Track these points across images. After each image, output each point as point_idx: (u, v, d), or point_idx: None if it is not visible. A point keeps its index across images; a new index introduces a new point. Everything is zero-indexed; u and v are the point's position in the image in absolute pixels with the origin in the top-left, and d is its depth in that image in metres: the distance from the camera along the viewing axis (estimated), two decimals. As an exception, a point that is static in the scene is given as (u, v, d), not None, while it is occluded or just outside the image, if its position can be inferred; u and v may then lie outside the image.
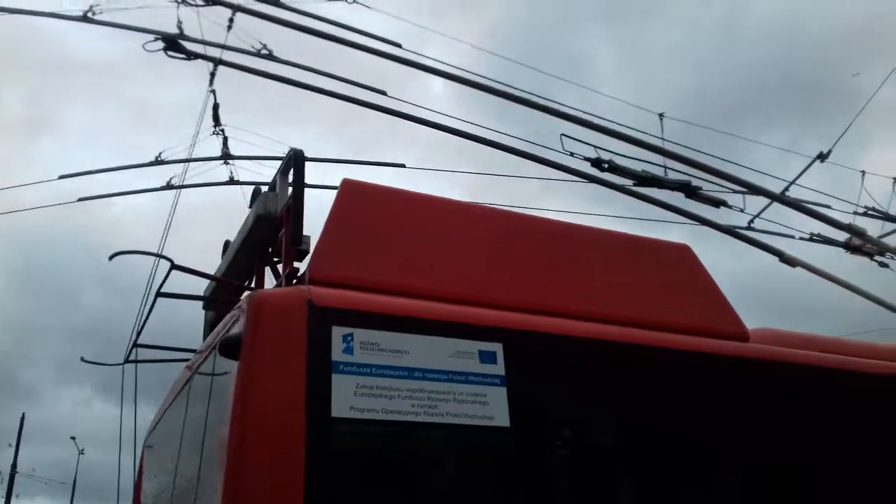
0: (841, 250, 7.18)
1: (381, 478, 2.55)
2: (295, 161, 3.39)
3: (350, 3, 6.31)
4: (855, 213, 7.06)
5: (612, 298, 3.42)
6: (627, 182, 6.00)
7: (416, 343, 2.66)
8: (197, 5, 5.17)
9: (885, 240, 7.50)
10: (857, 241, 7.30)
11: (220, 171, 7.28)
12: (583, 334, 3.07)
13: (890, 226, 7.51)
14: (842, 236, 7.21)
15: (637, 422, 3.09)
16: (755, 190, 6.27)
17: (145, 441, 4.31)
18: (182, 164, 6.91)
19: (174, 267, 3.33)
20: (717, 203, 6.41)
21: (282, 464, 2.32)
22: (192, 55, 5.01)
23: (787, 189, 6.60)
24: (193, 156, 6.97)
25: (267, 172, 7.22)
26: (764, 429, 3.32)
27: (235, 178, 7.28)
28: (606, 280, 3.55)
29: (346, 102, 5.10)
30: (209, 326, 4.20)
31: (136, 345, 3.88)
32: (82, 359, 4.63)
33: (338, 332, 2.54)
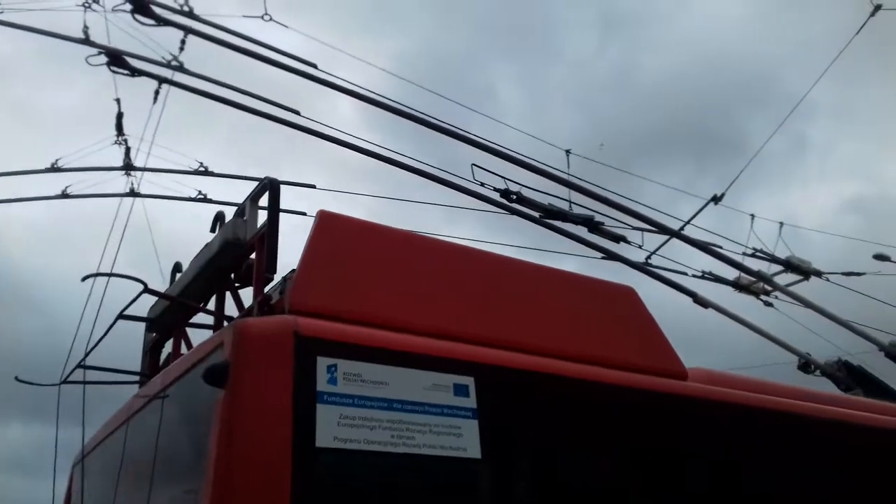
0: (730, 289, 7.57)
1: None
2: (270, 189, 3.37)
3: (266, 21, 6.25)
4: (744, 253, 7.43)
5: (565, 335, 3.56)
6: (534, 214, 6.16)
7: (395, 375, 2.72)
8: (147, 24, 4.97)
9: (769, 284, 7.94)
10: (745, 280, 7.70)
11: (119, 182, 7.03)
12: (544, 370, 3.21)
13: (776, 267, 7.94)
14: (730, 275, 7.59)
15: (593, 454, 3.27)
16: (659, 227, 6.55)
17: (75, 463, 4.17)
18: (81, 173, 6.65)
19: (146, 290, 3.23)
20: (618, 238, 6.64)
21: (268, 492, 2.35)
22: (136, 72, 4.96)
23: (683, 227, 6.90)
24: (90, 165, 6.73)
25: (170, 185, 7.04)
26: (701, 465, 3.53)
27: (137, 191, 7.04)
28: (560, 317, 3.68)
29: (254, 117, 5.07)
30: (150, 350, 4.16)
31: (81, 365, 3.68)
32: (17, 378, 4.37)
33: (322, 363, 2.59)
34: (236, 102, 4.93)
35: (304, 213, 6.69)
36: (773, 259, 7.63)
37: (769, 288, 7.97)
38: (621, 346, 3.75)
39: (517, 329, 3.43)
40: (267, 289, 3.28)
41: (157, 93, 5.14)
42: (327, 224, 3.25)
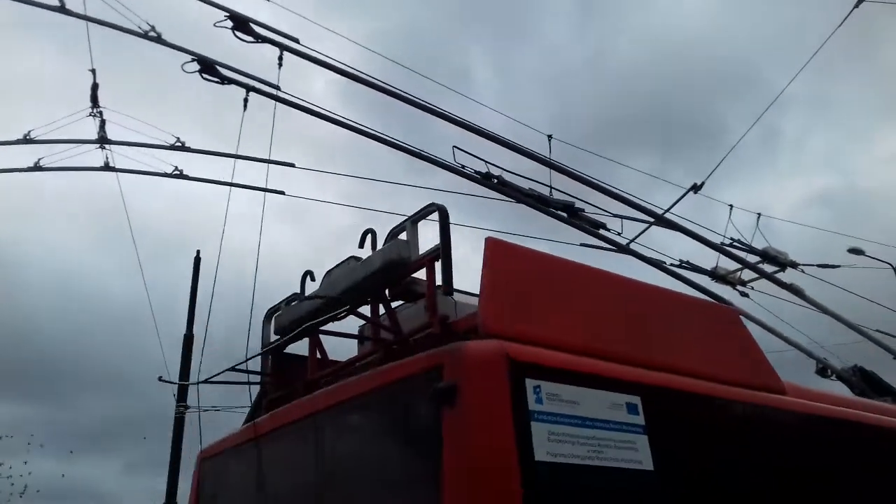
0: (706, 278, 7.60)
1: None
2: (440, 215, 3.64)
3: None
4: (722, 244, 7.44)
5: (696, 356, 3.88)
6: (513, 200, 6.13)
7: (582, 395, 3.03)
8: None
9: (744, 273, 7.99)
10: (722, 270, 7.75)
11: (95, 156, 6.90)
12: (690, 389, 3.59)
13: (752, 258, 7.97)
14: (707, 265, 7.63)
15: (731, 463, 3.61)
16: (644, 210, 6.56)
17: (204, 457, 4.57)
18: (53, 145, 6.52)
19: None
20: (597, 225, 6.64)
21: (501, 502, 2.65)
22: (226, 80, 5.21)
23: (664, 214, 6.90)
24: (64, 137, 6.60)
25: (144, 160, 6.92)
26: (805, 472, 3.94)
27: (111, 164, 6.92)
28: (690, 338, 4.01)
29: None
30: (272, 351, 4.42)
31: (234, 368, 4.21)
32: (160, 378, 4.95)
33: (530, 384, 2.89)
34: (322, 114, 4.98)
35: (282, 192, 6.62)
36: (750, 250, 7.66)
37: (745, 278, 8.04)
38: (739, 365, 4.11)
39: (659, 350, 3.72)
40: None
41: (245, 101, 5.37)
42: (498, 251, 3.45)
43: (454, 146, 5.60)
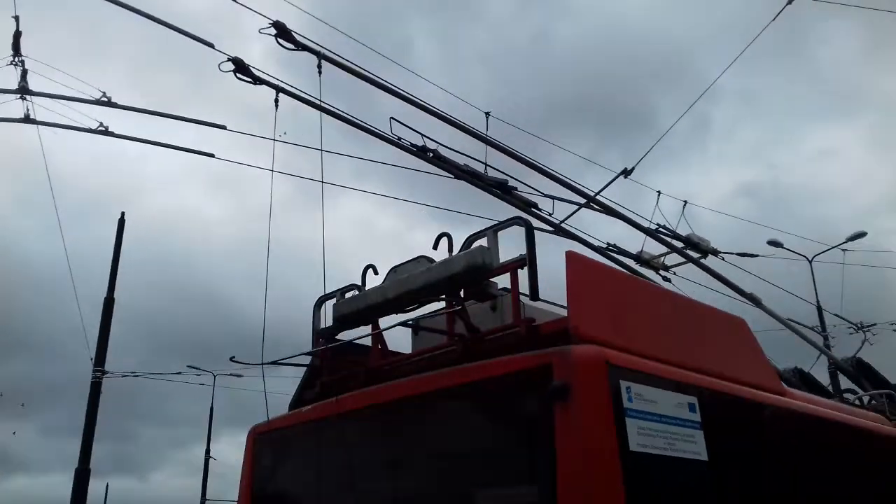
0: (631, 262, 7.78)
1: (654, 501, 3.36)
2: (526, 229, 3.94)
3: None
4: (648, 228, 7.61)
5: (726, 361, 4.39)
6: (449, 175, 6.15)
7: (658, 395, 3.51)
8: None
9: (668, 258, 8.21)
10: (647, 255, 7.94)
11: (15, 107, 6.60)
12: (729, 392, 4.13)
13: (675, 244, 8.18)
14: (634, 248, 7.81)
15: (763, 455, 4.14)
16: (574, 191, 6.66)
17: (259, 433, 4.82)
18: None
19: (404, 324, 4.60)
20: (530, 204, 6.72)
21: (607, 485, 3.12)
22: (258, 80, 5.47)
23: (594, 196, 7.02)
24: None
25: (68, 114, 6.65)
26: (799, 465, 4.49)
27: (32, 117, 6.63)
28: (719, 346, 4.56)
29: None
30: (324, 337, 4.71)
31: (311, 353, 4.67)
32: (232, 358, 4.98)
33: (623, 385, 3.36)
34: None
35: (212, 155, 6.46)
36: (674, 235, 7.86)
37: (669, 263, 8.26)
38: (752, 369, 4.62)
39: (702, 356, 4.17)
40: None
41: (276, 101, 5.54)
42: (578, 264, 3.89)
43: (391, 118, 5.57)
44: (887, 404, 6.68)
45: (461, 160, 6.18)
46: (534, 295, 3.83)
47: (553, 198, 6.86)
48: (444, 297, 4.20)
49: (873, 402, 7.22)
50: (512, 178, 6.52)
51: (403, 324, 4.60)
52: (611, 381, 3.32)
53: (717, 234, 8.33)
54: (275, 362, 4.64)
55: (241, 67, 5.36)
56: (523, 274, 3.84)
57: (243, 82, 5.38)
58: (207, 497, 29.69)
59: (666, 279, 8.31)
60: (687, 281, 8.22)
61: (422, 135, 5.77)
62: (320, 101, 5.39)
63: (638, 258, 7.84)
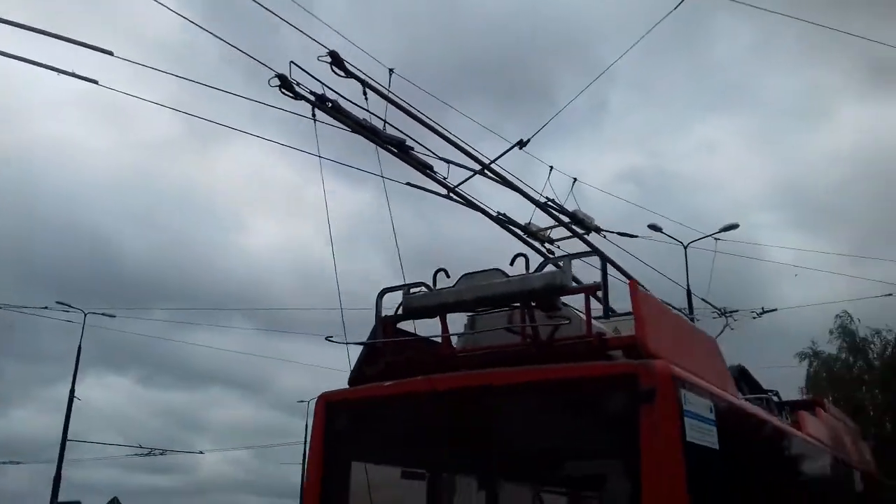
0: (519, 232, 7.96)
1: (704, 481, 4.36)
2: (601, 261, 5.71)
3: None
4: (538, 201, 7.79)
5: (713, 373, 5.47)
6: (346, 128, 6.08)
7: (696, 400, 4.55)
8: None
9: (554, 232, 8.45)
10: (534, 227, 8.14)
11: None
12: (720, 396, 5.17)
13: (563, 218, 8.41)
14: (523, 220, 7.99)
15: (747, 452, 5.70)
16: (470, 156, 6.71)
17: (329, 403, 5.38)
18: None
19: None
20: (425, 166, 6.75)
21: (675, 468, 4.17)
22: (298, 96, 5.89)
23: (489, 165, 7.11)
24: None
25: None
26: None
27: None
28: (709, 361, 5.73)
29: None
30: (388, 324, 5.40)
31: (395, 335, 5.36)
32: (328, 338, 5.49)
33: (682, 392, 4.40)
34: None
35: (95, 82, 6.10)
36: (562, 210, 8.07)
37: (554, 237, 8.50)
38: (724, 377, 5.80)
39: (704, 369, 5.16)
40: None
41: (313, 115, 6.02)
42: (640, 295, 4.90)
43: (291, 61, 5.44)
44: (766, 405, 7.24)
45: (360, 115, 6.12)
46: (605, 314, 5.38)
47: (449, 162, 6.91)
48: (517, 305, 5.00)
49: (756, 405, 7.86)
50: (410, 137, 6.53)
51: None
52: (675, 389, 4.38)
53: (602, 214, 8.63)
54: (360, 343, 5.45)
55: (286, 83, 5.80)
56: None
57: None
58: (69, 437, 28.62)
59: (550, 252, 8.56)
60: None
61: (322, 83, 5.67)
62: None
63: (526, 229, 8.02)
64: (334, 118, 5.85)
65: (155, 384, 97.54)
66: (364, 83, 6.15)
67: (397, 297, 5.29)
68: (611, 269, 7.65)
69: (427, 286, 5.36)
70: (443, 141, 6.73)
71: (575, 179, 8.37)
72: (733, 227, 23.27)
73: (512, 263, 5.06)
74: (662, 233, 21.28)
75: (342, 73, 6.08)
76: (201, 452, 40.77)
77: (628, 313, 5.02)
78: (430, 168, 6.77)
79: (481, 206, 7.32)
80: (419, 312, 5.32)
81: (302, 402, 52.38)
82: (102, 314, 30.53)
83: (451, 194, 7.03)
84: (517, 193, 7.44)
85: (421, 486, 5.41)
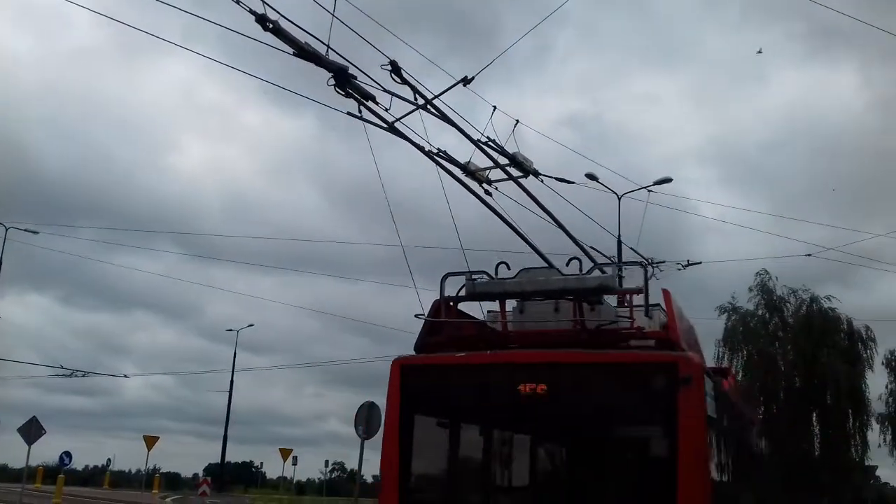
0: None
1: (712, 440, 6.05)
2: (644, 272, 6.70)
3: None
4: (479, 140, 7.74)
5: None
6: (287, 49, 5.89)
7: (708, 383, 5.88)
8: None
9: (493, 173, 8.44)
10: (474, 166, 8.11)
11: None
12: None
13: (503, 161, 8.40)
14: (463, 159, 7.95)
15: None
16: (414, 90, 6.61)
17: (405, 366, 6.43)
18: None
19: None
20: (367, 97, 6.61)
21: (702, 434, 5.61)
22: (350, 95, 6.29)
23: (432, 100, 7.02)
24: None
25: None
26: None
27: None
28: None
29: None
30: (450, 305, 6.92)
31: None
32: (417, 315, 6.59)
33: (706, 378, 5.74)
34: None
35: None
36: (502, 152, 8.05)
37: (493, 178, 8.50)
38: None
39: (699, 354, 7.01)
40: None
41: (360, 114, 6.39)
42: (672, 300, 6.36)
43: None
44: None
45: (302, 38, 5.92)
46: (647, 313, 6.47)
47: (391, 94, 6.79)
48: (571, 298, 6.36)
49: None
50: (353, 65, 6.37)
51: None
52: (703, 376, 5.81)
53: (540, 159, 8.65)
54: (433, 320, 6.55)
55: (340, 83, 6.03)
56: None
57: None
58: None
59: (487, 192, 8.57)
60: (505, 197, 8.52)
61: (263, 1, 5.46)
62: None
63: (464, 168, 7.99)
64: (278, 36, 5.64)
65: (77, 305, 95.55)
66: (415, 90, 6.52)
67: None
68: (521, 199, 7.72)
69: (489, 275, 6.61)
70: (385, 73, 6.60)
71: (517, 121, 8.34)
72: (667, 180, 23.76)
73: (568, 264, 6.54)
74: (598, 182, 21.58)
75: (400, 81, 6.30)
76: (125, 376, 40.24)
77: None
78: (373, 98, 6.65)
79: (422, 140, 7.24)
80: (482, 296, 6.59)
81: (231, 331, 52.74)
82: (25, 230, 29.55)
83: (392, 128, 6.93)
84: (458, 132, 7.38)
85: (479, 440, 6.67)
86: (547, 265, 6.47)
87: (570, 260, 6.40)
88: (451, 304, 6.58)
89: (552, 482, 6.55)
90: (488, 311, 7.06)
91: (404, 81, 6.40)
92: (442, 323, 6.46)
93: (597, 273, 6.42)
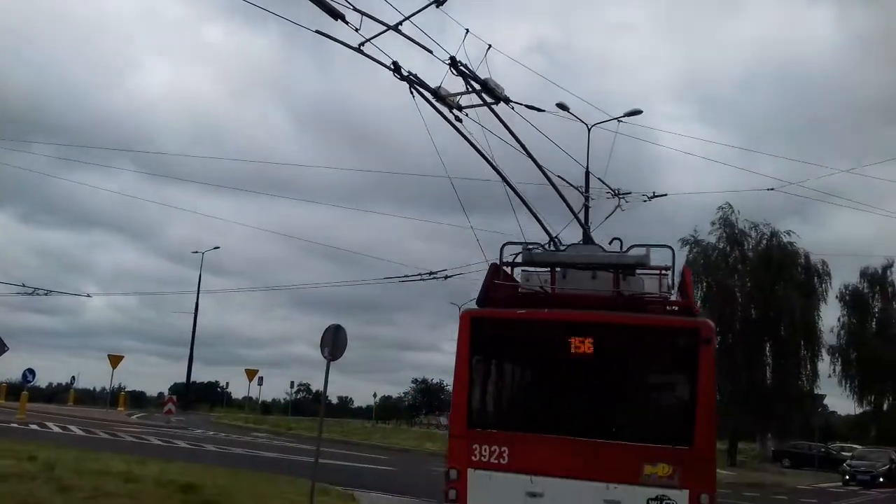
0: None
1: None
2: (672, 254, 8.65)
3: None
4: (450, 65, 7.62)
5: None
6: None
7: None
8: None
9: (463, 99, 8.36)
10: (444, 91, 8.02)
11: None
12: None
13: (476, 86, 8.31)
14: (434, 83, 7.84)
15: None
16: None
17: (474, 317, 7.78)
18: None
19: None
20: (336, 15, 6.46)
21: (713, 383, 7.41)
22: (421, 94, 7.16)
23: (402, 22, 6.88)
24: None
25: None
26: None
27: None
28: None
29: None
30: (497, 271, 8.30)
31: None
32: (457, 304, 8.52)
33: (712, 339, 7.35)
34: None
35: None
36: (473, 77, 7.96)
37: (463, 104, 8.41)
38: None
39: None
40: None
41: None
42: (690, 273, 8.11)
43: None
44: None
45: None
46: (669, 290, 8.28)
47: (362, 13, 6.64)
48: (611, 270, 8.01)
49: None
50: (322, -17, 6.20)
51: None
52: (714, 337, 7.23)
53: (511, 86, 8.57)
54: (485, 289, 7.93)
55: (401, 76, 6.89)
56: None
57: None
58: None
59: (458, 119, 8.51)
60: (475, 123, 8.46)
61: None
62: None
63: (435, 93, 7.90)
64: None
65: (36, 222, 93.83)
66: (502, 96, 7.10)
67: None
68: (491, 125, 7.71)
69: (543, 246, 8.21)
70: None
71: (490, 46, 8.21)
72: (637, 112, 23.70)
73: (611, 243, 8.26)
74: (569, 112, 21.48)
75: (491, 101, 6.95)
76: (88, 296, 39.95)
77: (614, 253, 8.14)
78: (342, 17, 6.50)
79: (392, 62, 7.13)
80: (537, 264, 8.12)
81: (196, 252, 52.42)
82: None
83: (362, 48, 6.81)
84: (429, 56, 7.27)
85: (530, 378, 8.23)
86: (590, 242, 8.39)
87: (613, 240, 8.22)
88: (509, 268, 8.16)
89: (591, 413, 7.56)
90: (522, 271, 8.62)
91: (497, 99, 7.18)
92: (500, 283, 7.94)
93: (634, 251, 7.99)
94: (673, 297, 8.08)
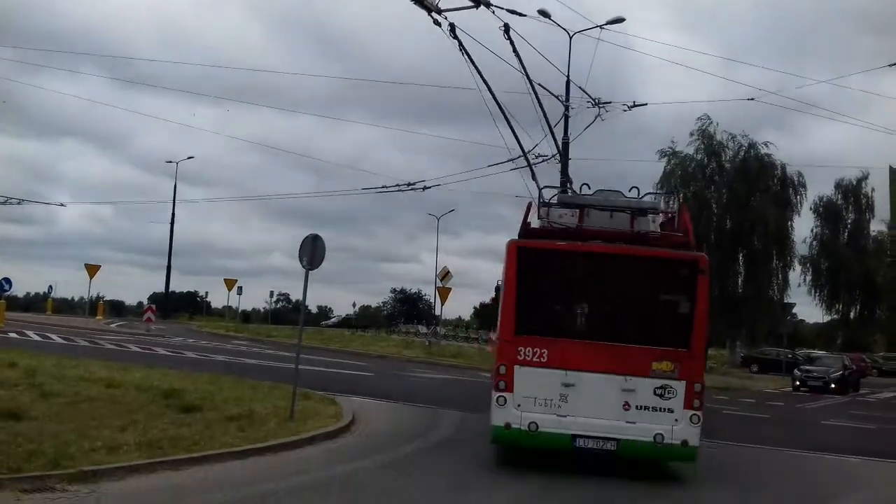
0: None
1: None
2: (679, 202, 12.02)
3: None
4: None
5: None
6: None
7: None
8: None
9: (442, 2, 8.15)
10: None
11: None
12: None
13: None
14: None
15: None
16: None
17: (521, 248, 9.39)
18: None
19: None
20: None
21: (707, 304, 9.39)
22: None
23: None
24: None
25: None
26: None
27: None
28: None
29: None
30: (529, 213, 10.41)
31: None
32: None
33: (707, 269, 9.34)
34: None
35: None
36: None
37: (443, 7, 8.23)
38: None
39: None
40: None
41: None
42: (687, 210, 10.89)
43: None
44: None
45: None
46: (674, 229, 9.85)
47: None
48: (630, 212, 9.86)
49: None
50: None
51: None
52: (710, 268, 9.11)
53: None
54: (525, 223, 9.94)
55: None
56: None
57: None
58: None
59: (437, 23, 8.32)
60: (456, 31, 8.26)
61: None
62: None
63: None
64: None
65: (4, 131, 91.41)
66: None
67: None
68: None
69: (574, 190, 11.36)
70: None
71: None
72: (619, 20, 23.22)
73: (630, 191, 10.30)
74: (550, 19, 21.00)
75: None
76: (62, 205, 39.56)
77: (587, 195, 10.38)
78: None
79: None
80: (569, 205, 10.06)
81: (170, 162, 51.71)
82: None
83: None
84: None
85: (566, 295, 9.70)
86: (616, 190, 10.33)
87: (632, 188, 10.30)
88: (546, 207, 10.11)
89: (612, 323, 9.45)
90: (549, 206, 10.44)
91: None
92: (538, 220, 10.02)
93: (647, 198, 10.37)
94: (679, 235, 9.76)
